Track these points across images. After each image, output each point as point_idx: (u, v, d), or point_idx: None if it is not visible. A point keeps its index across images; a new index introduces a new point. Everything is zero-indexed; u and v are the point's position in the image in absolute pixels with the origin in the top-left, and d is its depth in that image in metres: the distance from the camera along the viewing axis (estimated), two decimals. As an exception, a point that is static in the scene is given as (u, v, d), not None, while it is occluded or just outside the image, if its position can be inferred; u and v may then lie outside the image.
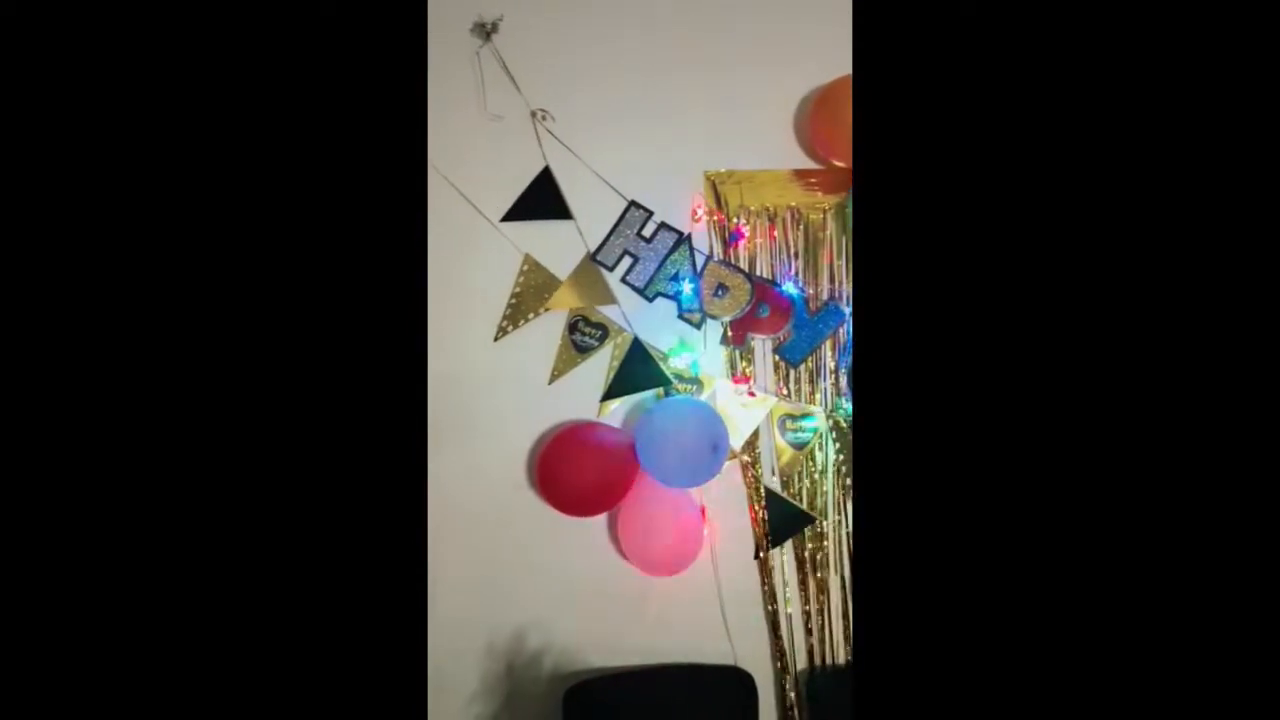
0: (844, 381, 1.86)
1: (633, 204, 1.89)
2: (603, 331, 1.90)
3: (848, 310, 1.89)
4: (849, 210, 1.84)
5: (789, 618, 1.91)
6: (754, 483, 1.90)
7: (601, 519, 1.91)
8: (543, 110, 1.89)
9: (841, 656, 1.91)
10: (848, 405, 1.86)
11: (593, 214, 1.90)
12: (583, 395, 1.91)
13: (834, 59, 1.84)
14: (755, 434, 1.90)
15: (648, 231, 1.88)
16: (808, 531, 1.90)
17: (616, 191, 1.89)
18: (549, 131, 1.89)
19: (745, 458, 1.90)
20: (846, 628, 1.91)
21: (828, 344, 1.90)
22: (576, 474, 1.78)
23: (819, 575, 1.91)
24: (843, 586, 1.92)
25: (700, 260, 1.88)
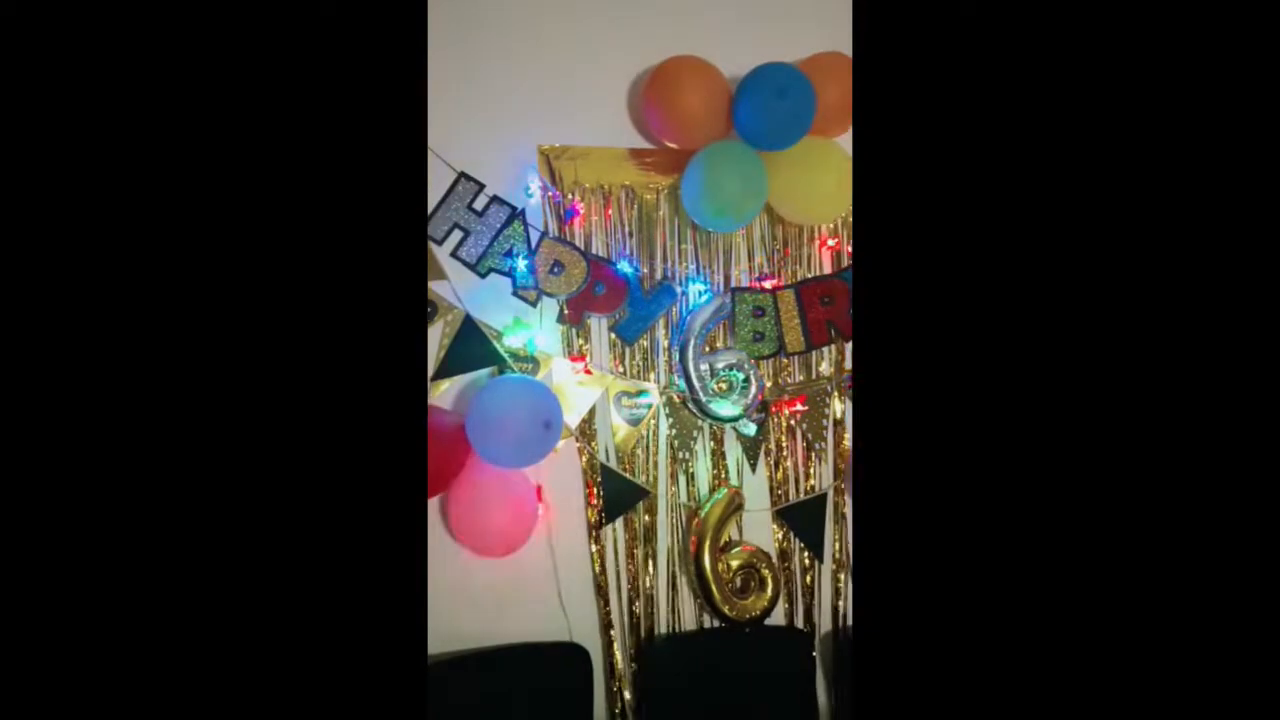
0: (675, 358, 1.91)
1: (463, 175, 1.81)
2: (432, 308, 1.82)
3: (679, 290, 1.94)
4: (681, 192, 1.88)
5: (618, 590, 1.94)
6: (590, 459, 1.91)
7: (431, 502, 1.84)
8: (364, 71, 1.76)
9: (665, 625, 1.98)
10: (679, 381, 1.91)
11: (420, 185, 1.81)
12: (411, 375, 1.82)
13: (667, 39, 1.87)
14: (592, 412, 1.91)
15: (479, 205, 1.81)
16: (642, 505, 1.94)
17: (445, 162, 1.80)
18: (371, 94, 1.77)
19: (581, 435, 1.91)
20: (674, 597, 1.98)
21: (661, 322, 1.94)
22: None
23: (651, 545, 1.96)
24: (669, 557, 1.98)
25: (535, 237, 1.84)
